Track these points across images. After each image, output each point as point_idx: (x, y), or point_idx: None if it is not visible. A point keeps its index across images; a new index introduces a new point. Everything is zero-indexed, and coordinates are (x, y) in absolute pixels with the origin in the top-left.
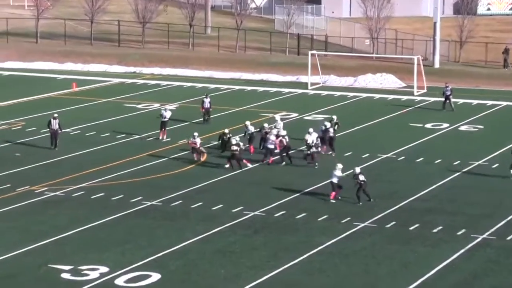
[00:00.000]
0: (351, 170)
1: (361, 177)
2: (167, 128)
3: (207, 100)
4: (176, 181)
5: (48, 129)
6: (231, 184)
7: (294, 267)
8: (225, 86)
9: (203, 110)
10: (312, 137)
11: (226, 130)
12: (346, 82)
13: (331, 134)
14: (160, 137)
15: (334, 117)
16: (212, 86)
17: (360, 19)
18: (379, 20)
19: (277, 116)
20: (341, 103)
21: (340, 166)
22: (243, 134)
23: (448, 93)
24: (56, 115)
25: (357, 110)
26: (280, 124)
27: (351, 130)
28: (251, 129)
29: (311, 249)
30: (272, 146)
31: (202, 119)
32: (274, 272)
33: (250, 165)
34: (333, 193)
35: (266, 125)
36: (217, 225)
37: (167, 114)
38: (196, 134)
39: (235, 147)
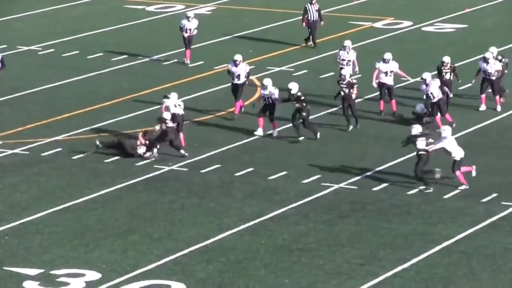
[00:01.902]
0: None
1: None
2: (192, 46)
3: (313, 7)
4: (211, 132)
5: None
6: (301, 138)
7: (404, 275)
8: None
9: (307, 23)
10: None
11: None
12: None
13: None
14: (186, 60)
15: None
16: None
17: None
18: None
19: None
20: (484, 4)
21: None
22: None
23: None
24: None
25: None
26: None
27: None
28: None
29: (431, 246)
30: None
31: (305, 40)
32: (371, 283)
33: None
34: None
35: None
36: (276, 206)
37: (192, 24)
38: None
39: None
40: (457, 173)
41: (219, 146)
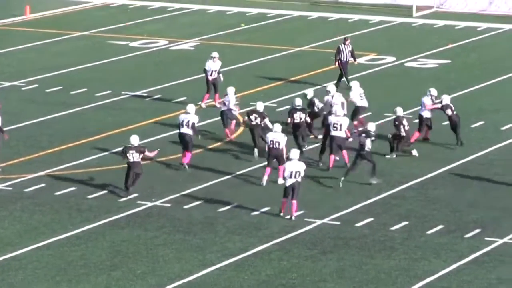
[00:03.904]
0: None
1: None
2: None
3: (346, 47)
4: (195, 168)
5: None
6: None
7: None
8: (275, 12)
9: (339, 64)
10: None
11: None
12: (476, 5)
13: None
14: (203, 103)
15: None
16: (254, 11)
17: None
18: None
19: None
20: (466, 40)
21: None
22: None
23: None
24: None
25: (494, 52)
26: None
27: (483, 85)
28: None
29: (415, 282)
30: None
31: (337, 80)
32: None
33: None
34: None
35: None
36: (259, 241)
37: (216, 66)
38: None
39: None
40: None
41: (202, 182)
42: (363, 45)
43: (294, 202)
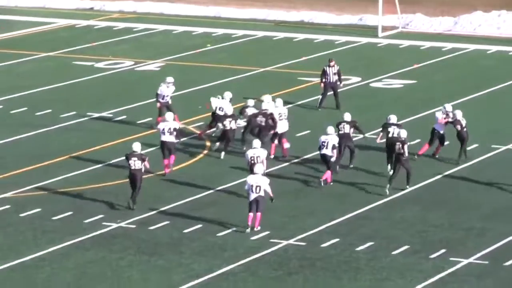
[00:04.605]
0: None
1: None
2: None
3: (331, 69)
4: (160, 189)
5: None
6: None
7: None
8: (241, 32)
9: (324, 84)
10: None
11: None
12: (441, 25)
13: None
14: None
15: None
16: (220, 31)
17: None
18: None
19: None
20: (432, 60)
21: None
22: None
23: None
24: None
25: (459, 72)
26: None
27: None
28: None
29: None
30: None
31: (319, 104)
32: None
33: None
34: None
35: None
36: (225, 262)
37: (169, 91)
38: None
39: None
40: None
41: (168, 202)
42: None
43: (258, 214)
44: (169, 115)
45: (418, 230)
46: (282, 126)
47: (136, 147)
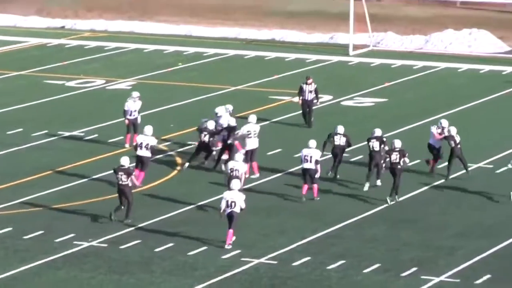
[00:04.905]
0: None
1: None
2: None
3: (307, 87)
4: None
5: None
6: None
7: None
8: (212, 51)
9: (301, 101)
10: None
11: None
12: (412, 44)
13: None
14: (128, 144)
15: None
16: (191, 50)
17: None
18: None
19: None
20: (403, 78)
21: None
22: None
23: None
24: None
25: (430, 90)
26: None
27: (420, 123)
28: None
29: None
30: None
31: (304, 120)
32: None
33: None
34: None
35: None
36: (196, 281)
37: (136, 106)
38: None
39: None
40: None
41: (139, 221)
42: (299, 84)
43: (230, 231)
44: (148, 129)
45: (389, 248)
46: (252, 144)
47: (124, 161)
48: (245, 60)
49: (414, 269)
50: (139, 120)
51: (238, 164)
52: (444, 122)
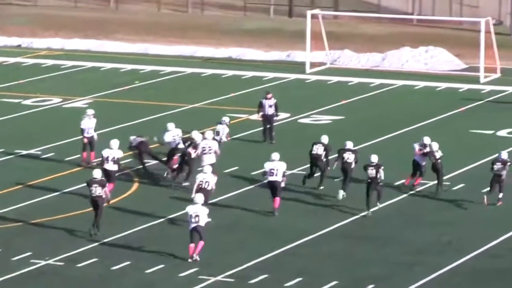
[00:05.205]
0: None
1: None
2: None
3: (267, 102)
4: (89, 225)
5: None
6: (184, 224)
7: None
8: (169, 69)
9: (262, 117)
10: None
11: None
12: (369, 62)
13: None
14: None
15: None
16: (148, 68)
17: None
18: None
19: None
20: (360, 96)
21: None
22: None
23: None
24: None
25: (387, 108)
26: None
27: (377, 140)
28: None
29: None
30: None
31: (263, 136)
32: None
33: None
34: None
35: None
36: None
37: (91, 123)
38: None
39: None
40: None
41: (96, 239)
42: (256, 102)
43: (201, 242)
44: (114, 143)
45: (347, 265)
46: (209, 160)
47: (97, 173)
48: (202, 78)
49: (371, 286)
50: (95, 138)
51: (207, 176)
52: (426, 139)
